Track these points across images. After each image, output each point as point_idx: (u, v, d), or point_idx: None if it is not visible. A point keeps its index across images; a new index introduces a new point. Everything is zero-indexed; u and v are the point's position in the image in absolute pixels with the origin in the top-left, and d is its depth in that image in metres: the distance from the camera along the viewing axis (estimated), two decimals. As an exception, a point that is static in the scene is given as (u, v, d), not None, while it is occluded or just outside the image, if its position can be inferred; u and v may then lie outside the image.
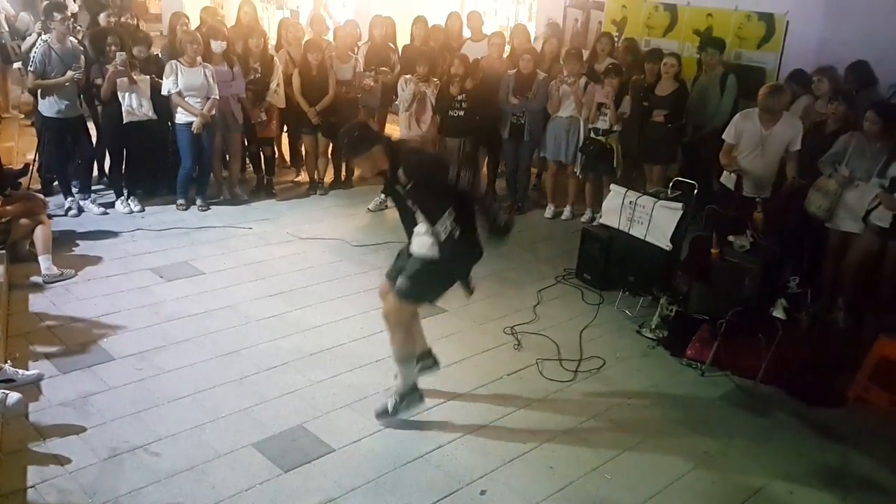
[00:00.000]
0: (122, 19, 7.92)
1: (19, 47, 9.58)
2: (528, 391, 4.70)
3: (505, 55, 8.11)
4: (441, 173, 3.99)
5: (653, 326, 5.47)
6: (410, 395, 4.23)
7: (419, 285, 4.00)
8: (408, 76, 7.60)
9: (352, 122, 4.57)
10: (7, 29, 9.83)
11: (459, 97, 7.44)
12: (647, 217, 5.63)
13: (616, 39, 7.95)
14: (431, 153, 4.13)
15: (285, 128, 8.41)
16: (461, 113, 7.44)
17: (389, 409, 4.20)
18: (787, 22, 7.19)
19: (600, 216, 6.47)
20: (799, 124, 5.80)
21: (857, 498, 3.97)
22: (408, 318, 4.11)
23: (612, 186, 6.15)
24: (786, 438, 4.43)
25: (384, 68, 8.21)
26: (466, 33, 8.92)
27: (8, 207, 5.78)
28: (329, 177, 8.40)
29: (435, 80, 7.54)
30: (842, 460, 4.26)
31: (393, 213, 4.95)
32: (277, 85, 7.62)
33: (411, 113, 7.56)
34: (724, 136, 6.05)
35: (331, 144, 8.13)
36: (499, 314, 5.65)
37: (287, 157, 8.92)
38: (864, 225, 5.36)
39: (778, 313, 4.96)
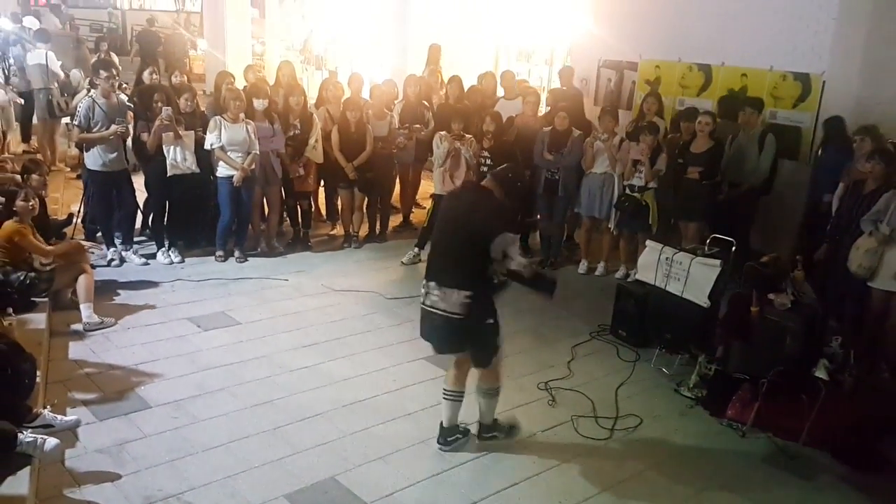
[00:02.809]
0: (173, 78, 8.19)
1: (66, 104, 9.98)
2: (562, 448, 4.63)
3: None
4: None
5: (691, 385, 5.38)
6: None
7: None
8: (442, 133, 7.73)
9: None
10: (56, 85, 10.25)
11: (484, 153, 7.56)
12: (684, 273, 5.59)
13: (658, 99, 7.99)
14: None
15: (322, 182, 8.58)
16: (485, 169, 7.54)
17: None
18: (824, 82, 7.21)
19: (635, 272, 6.44)
20: None
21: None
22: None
23: (648, 242, 6.13)
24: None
25: (418, 125, 8.38)
26: (500, 92, 9.13)
27: (49, 248, 5.92)
28: (364, 231, 8.51)
29: (469, 136, 7.66)
30: (891, 528, 4.12)
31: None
32: (316, 141, 7.81)
33: (445, 169, 7.66)
34: None
35: (366, 199, 8.28)
36: (532, 369, 5.61)
37: (323, 211, 9.07)
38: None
39: (820, 374, 4.85)
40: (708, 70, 8.18)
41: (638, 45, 8.75)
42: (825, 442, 4.73)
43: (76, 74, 10.18)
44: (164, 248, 7.42)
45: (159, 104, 6.97)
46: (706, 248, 5.81)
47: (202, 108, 7.74)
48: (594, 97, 9.32)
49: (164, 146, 6.96)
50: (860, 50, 6.93)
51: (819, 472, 4.57)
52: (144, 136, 7.04)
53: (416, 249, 7.72)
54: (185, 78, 8.35)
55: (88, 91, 7.55)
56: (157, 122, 6.91)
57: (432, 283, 4.15)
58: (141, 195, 7.55)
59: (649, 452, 4.66)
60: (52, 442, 3.94)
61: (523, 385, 5.35)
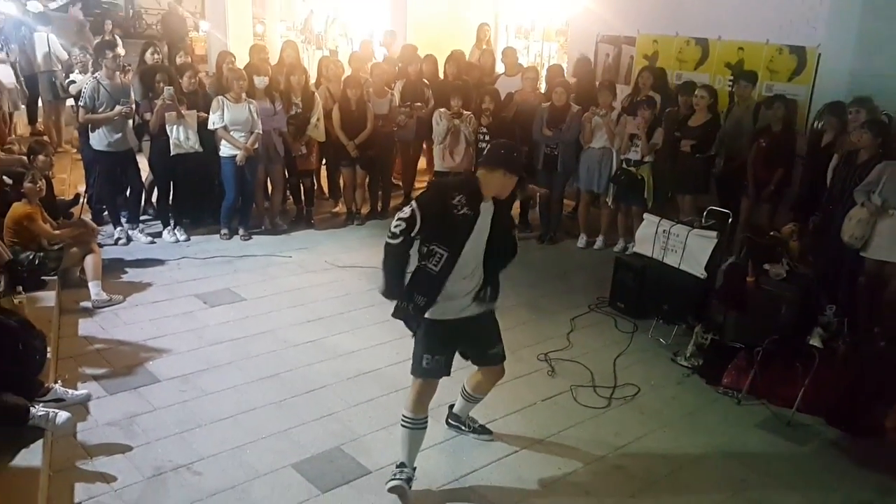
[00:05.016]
0: (177, 58, 8.13)
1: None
2: (562, 417, 4.66)
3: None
4: None
5: (688, 355, 5.40)
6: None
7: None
8: (442, 110, 7.69)
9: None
10: (60, 67, 10.18)
11: (482, 130, 7.53)
12: (681, 245, 5.59)
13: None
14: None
15: (324, 161, 8.55)
16: (484, 145, 7.52)
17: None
18: (819, 55, 7.14)
19: (633, 245, 6.44)
20: None
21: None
22: None
23: (646, 215, 6.12)
24: (823, 468, 4.33)
25: (419, 103, 8.33)
26: (500, 68, 9.06)
27: (58, 231, 5.95)
28: (365, 208, 8.50)
29: (468, 113, 7.63)
30: (880, 491, 4.14)
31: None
32: (318, 119, 7.78)
33: (445, 146, 7.64)
34: None
35: (367, 177, 8.27)
36: (532, 341, 5.63)
37: (326, 189, 9.05)
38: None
39: (815, 342, 4.86)
40: (705, 44, 8.10)
41: (636, 20, 8.66)
42: (819, 408, 4.75)
43: (76, 52, 10.08)
44: (169, 227, 7.43)
45: (161, 84, 6.94)
46: (702, 221, 5.81)
47: (206, 88, 7.69)
48: (593, 73, 9.23)
49: (167, 125, 6.94)
50: (855, 23, 6.86)
51: (813, 438, 4.60)
52: (147, 116, 7.02)
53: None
54: (189, 58, 8.28)
55: (94, 72, 7.49)
56: (159, 102, 6.88)
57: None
58: (146, 175, 7.55)
59: (647, 420, 4.69)
60: (63, 415, 3.98)
61: (523, 356, 5.36)
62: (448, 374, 3.77)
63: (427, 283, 3.56)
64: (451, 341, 3.74)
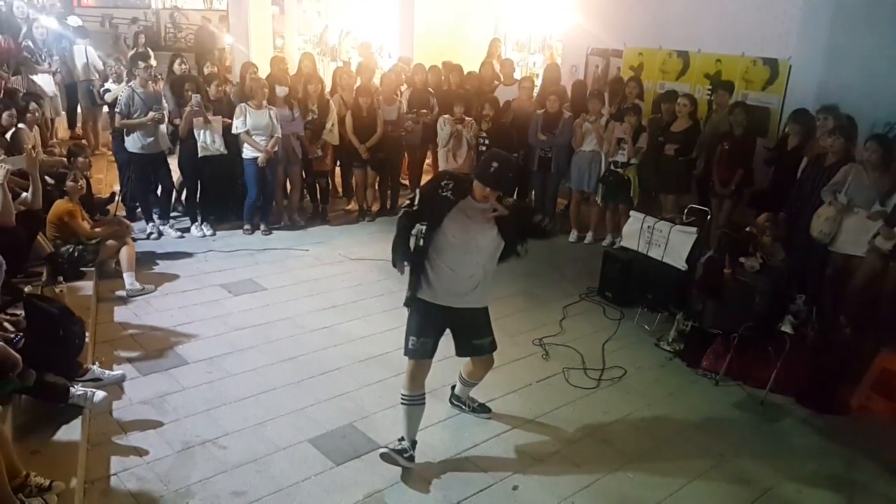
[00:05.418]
0: (205, 69, 8.10)
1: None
2: (555, 397, 4.64)
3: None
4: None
5: (670, 340, 5.37)
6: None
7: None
8: (446, 116, 7.66)
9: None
10: (97, 76, 10.15)
11: (482, 134, 7.48)
12: (664, 240, 5.55)
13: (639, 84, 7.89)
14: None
15: (338, 162, 8.51)
16: (483, 148, 7.49)
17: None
18: (790, 66, 7.09)
19: (620, 240, 6.40)
20: None
21: (861, 499, 3.84)
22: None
23: (632, 213, 6.08)
24: (794, 443, 4.31)
25: (424, 110, 8.30)
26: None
27: (97, 229, 5.95)
28: (376, 206, 8.47)
29: (469, 119, 7.59)
30: (846, 463, 4.12)
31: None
32: (332, 125, 7.74)
33: (449, 149, 7.61)
34: None
35: (378, 177, 8.23)
36: (528, 327, 5.60)
37: (340, 188, 9.01)
38: (869, 247, 5.22)
39: (786, 328, 4.83)
40: (686, 56, 8.04)
41: (623, 35, 8.60)
42: (790, 389, 4.74)
43: (112, 63, 10.06)
44: (197, 223, 7.40)
45: (189, 92, 6.91)
46: (683, 218, 5.77)
47: (230, 96, 7.66)
48: (579, 81, 9.16)
49: (194, 130, 6.91)
50: (823, 38, 6.80)
51: (784, 416, 4.58)
52: (177, 121, 6.99)
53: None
54: (216, 69, 8.26)
55: (128, 81, 7.47)
56: (187, 108, 6.86)
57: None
58: (175, 175, 7.53)
59: (633, 399, 4.66)
60: (100, 394, 3.98)
61: (520, 341, 5.35)
62: (432, 356, 3.74)
63: (417, 258, 3.65)
64: (438, 326, 3.72)
